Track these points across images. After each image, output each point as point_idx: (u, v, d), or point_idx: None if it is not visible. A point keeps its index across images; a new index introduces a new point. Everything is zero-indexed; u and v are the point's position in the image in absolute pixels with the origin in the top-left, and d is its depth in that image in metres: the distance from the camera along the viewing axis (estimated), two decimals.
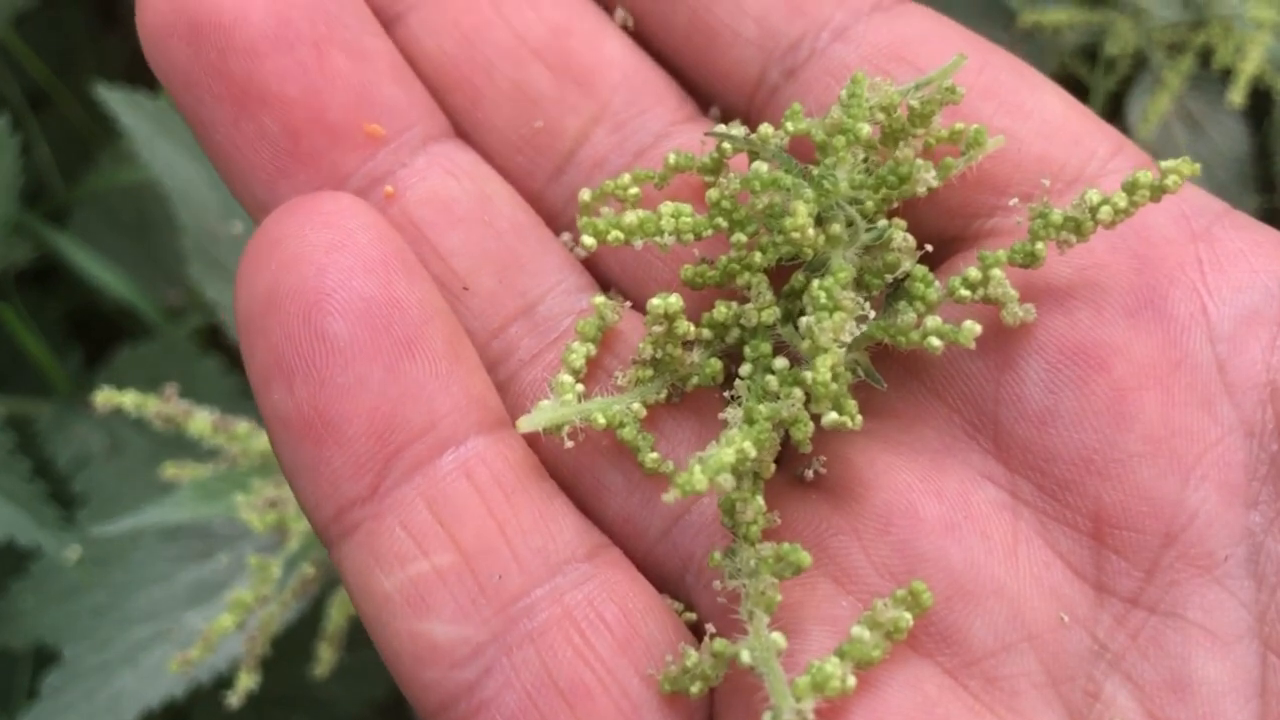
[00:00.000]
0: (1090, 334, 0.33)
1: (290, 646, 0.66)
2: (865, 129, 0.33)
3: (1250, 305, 0.33)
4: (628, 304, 0.37)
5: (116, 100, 0.76)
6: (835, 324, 0.32)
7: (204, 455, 0.70)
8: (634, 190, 0.36)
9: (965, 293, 0.34)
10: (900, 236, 0.34)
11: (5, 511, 0.70)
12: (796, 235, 0.32)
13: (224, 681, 0.67)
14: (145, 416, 0.58)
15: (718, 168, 0.36)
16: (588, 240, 0.35)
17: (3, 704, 0.79)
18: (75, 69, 1.00)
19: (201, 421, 0.58)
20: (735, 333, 0.36)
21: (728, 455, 0.30)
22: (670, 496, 0.30)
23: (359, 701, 0.84)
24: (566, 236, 0.38)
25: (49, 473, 0.80)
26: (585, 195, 0.36)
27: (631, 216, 0.35)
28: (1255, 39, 0.73)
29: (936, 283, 0.34)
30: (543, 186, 0.38)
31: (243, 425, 0.60)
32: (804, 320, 0.33)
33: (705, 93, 0.39)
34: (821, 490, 0.35)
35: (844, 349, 0.32)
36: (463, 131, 0.38)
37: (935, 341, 0.33)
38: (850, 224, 0.34)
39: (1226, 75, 0.76)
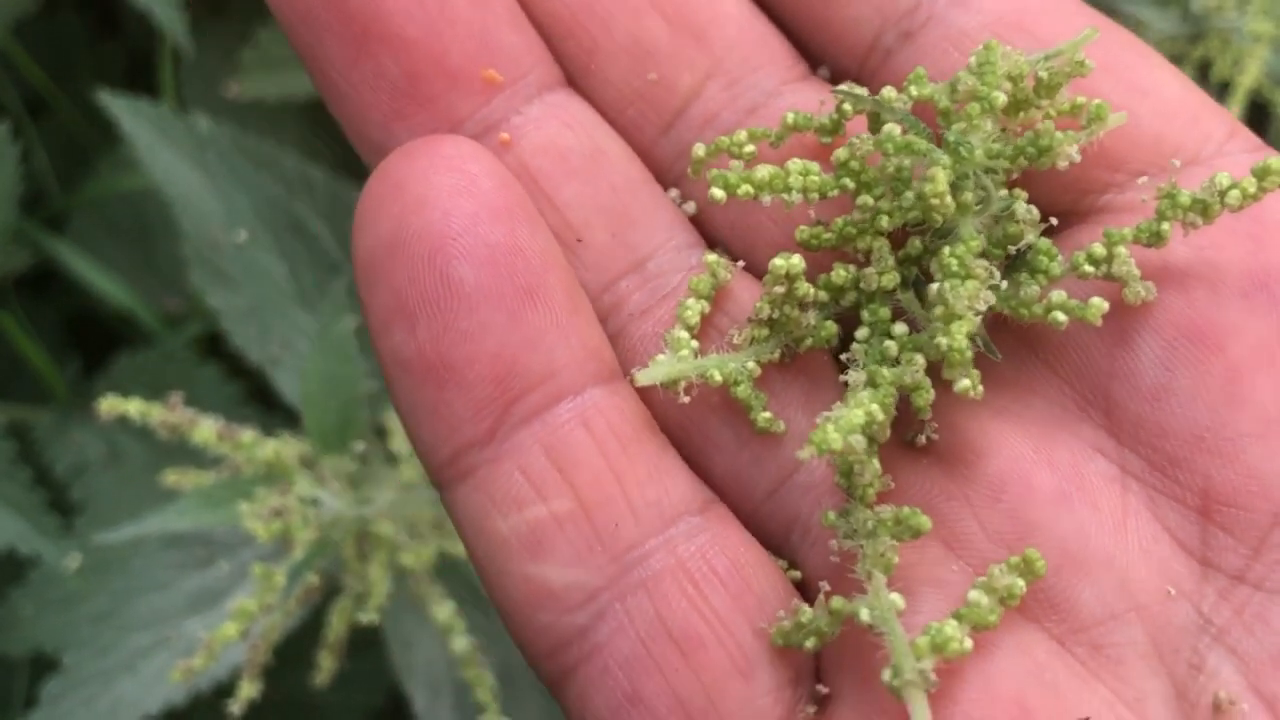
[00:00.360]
0: (1206, 314, 0.33)
1: (289, 654, 0.65)
2: (1001, 97, 0.33)
3: None
4: (740, 263, 0.37)
5: (118, 106, 0.76)
6: (970, 291, 0.32)
7: (205, 463, 0.70)
8: (750, 148, 0.36)
9: (1089, 268, 0.34)
10: (1024, 208, 0.34)
11: (6, 520, 0.70)
12: (935, 201, 0.32)
13: (224, 689, 0.67)
14: (149, 425, 0.58)
15: (836, 128, 0.36)
16: (716, 192, 0.35)
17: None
18: (73, 75, 1.00)
19: (206, 430, 0.58)
20: (851, 296, 0.36)
21: (858, 417, 0.31)
22: (805, 453, 0.30)
23: (357, 710, 0.84)
24: (674, 192, 0.38)
25: (47, 479, 0.80)
26: (699, 150, 0.36)
27: (763, 171, 0.35)
28: (1253, 52, 0.74)
29: (1060, 256, 0.34)
30: (652, 141, 0.38)
31: (248, 434, 0.59)
32: (934, 287, 0.33)
33: (815, 52, 0.39)
34: (933, 456, 0.35)
35: (979, 316, 0.33)
36: (574, 81, 0.38)
37: (1060, 316, 0.33)
38: (983, 191, 0.34)
39: (1225, 88, 0.77)
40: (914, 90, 0.35)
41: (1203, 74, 0.78)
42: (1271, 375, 0.33)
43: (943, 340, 0.32)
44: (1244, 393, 0.33)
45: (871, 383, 0.34)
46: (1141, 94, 0.35)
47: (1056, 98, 0.35)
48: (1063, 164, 0.34)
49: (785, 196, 0.35)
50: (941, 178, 0.32)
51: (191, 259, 0.75)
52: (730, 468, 0.36)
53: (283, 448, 0.60)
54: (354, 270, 0.34)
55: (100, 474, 0.81)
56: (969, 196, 0.34)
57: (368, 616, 0.63)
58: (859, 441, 0.31)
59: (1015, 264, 0.35)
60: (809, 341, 0.36)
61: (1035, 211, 0.35)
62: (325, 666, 0.64)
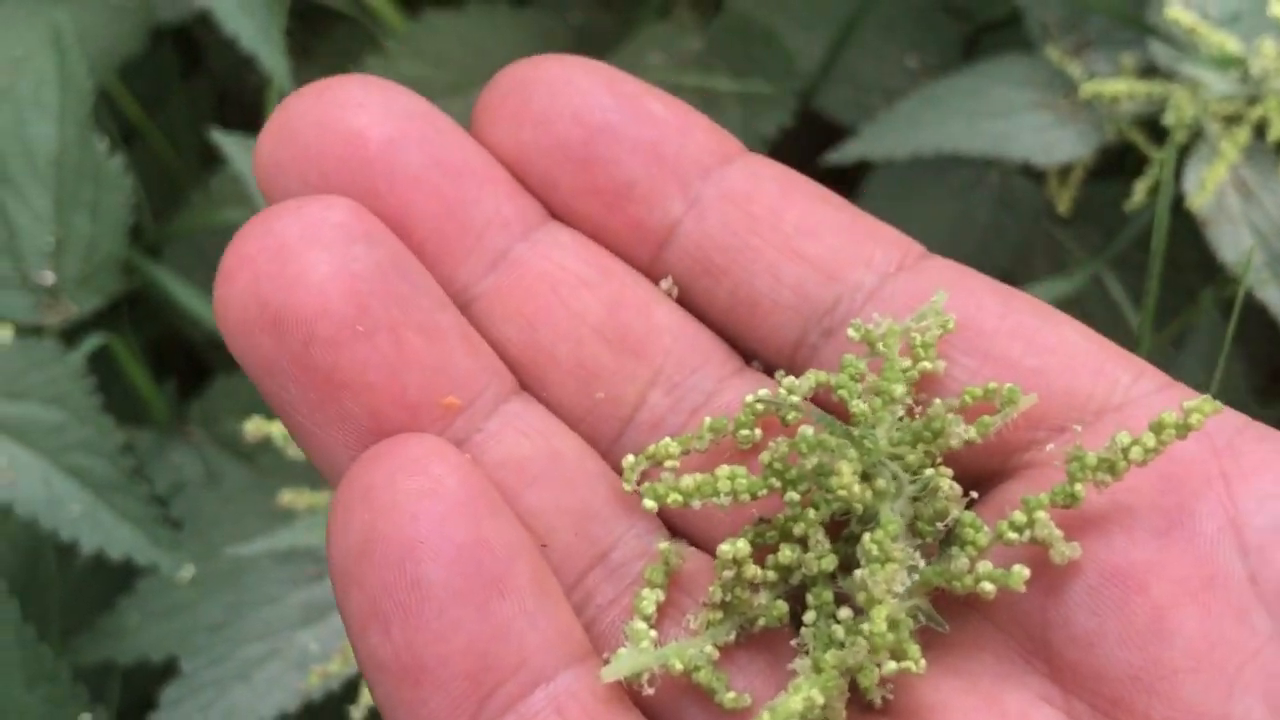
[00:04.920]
0: (1126, 556, 0.35)
1: None
2: (899, 389, 0.37)
3: (1276, 515, 0.34)
4: (691, 549, 0.39)
5: (230, 144, 0.81)
6: (887, 575, 0.34)
7: (300, 484, 0.73)
8: (677, 455, 0.39)
9: (1013, 535, 0.35)
10: (947, 485, 0.36)
11: (125, 533, 0.73)
12: (844, 493, 0.35)
13: (334, 698, 0.71)
14: (281, 445, 0.62)
15: (753, 426, 0.38)
16: (648, 503, 0.37)
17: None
18: (165, 109, 1.05)
19: None
20: (799, 574, 0.37)
21: (796, 703, 0.33)
22: None
23: None
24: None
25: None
26: (629, 461, 0.39)
27: (689, 480, 0.37)
28: None
29: (985, 527, 0.36)
30: (606, 449, 0.40)
31: None
32: (858, 573, 0.35)
33: (746, 351, 0.42)
34: (890, 717, 0.36)
35: (898, 600, 0.35)
36: (529, 389, 0.40)
37: (988, 587, 0.35)
38: (894, 478, 0.36)
39: None
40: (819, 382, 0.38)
41: (1260, 134, 0.82)
42: (1195, 610, 0.33)
43: (865, 626, 0.34)
44: (1171, 629, 0.33)
45: (816, 668, 0.35)
46: (1049, 352, 0.38)
47: (966, 392, 0.37)
48: (955, 443, 0.37)
49: (715, 500, 0.37)
50: (847, 470, 0.35)
51: None
52: None
53: None
54: (330, 577, 0.35)
55: (198, 492, 0.85)
56: (883, 483, 0.36)
57: None
58: None
59: (947, 539, 0.37)
60: (762, 622, 0.37)
61: (958, 488, 0.36)
62: None
